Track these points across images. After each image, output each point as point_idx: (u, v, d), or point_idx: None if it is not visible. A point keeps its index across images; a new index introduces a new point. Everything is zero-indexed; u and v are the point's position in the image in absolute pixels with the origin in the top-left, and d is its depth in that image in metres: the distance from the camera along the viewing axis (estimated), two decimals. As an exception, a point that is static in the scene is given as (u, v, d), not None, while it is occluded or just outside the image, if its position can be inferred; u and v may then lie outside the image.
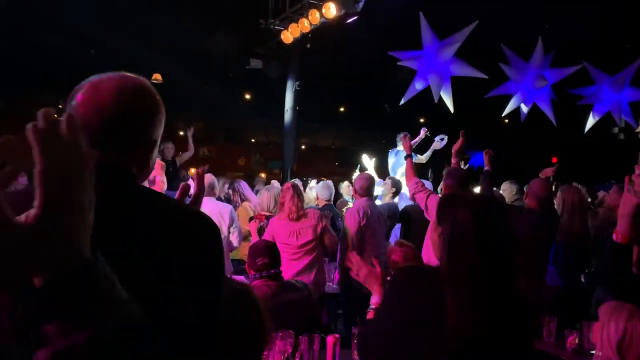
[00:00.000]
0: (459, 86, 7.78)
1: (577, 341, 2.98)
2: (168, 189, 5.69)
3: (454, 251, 1.51)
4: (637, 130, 11.05)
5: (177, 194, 1.43)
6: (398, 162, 7.15)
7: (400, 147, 7.20)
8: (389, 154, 7.49)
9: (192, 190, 5.03)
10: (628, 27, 7.77)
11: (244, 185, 5.89)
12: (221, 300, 1.12)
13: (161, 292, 1.00)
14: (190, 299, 1.04)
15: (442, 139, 7.21)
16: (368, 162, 7.53)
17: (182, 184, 1.49)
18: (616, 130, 11.84)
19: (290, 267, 4.28)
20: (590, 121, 8.98)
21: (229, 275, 4.27)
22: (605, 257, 2.00)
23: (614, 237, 1.94)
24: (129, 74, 1.13)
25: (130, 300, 0.76)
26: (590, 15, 7.23)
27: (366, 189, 4.81)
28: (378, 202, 5.73)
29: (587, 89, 8.60)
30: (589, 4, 7.10)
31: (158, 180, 4.44)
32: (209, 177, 4.91)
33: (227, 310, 1.15)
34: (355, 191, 4.88)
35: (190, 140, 7.48)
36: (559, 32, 7.73)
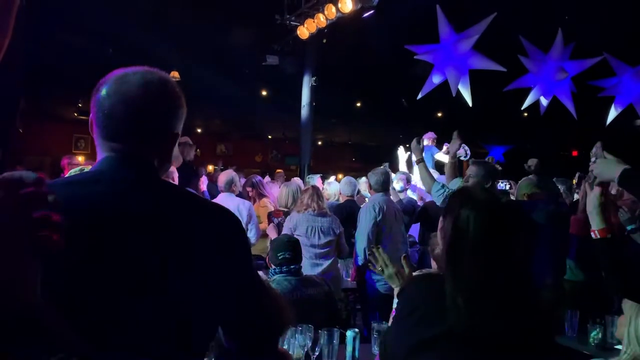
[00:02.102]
0: (477, 79, 7.69)
1: (600, 336, 2.95)
2: (187, 186, 5.75)
3: (453, 251, 1.47)
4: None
5: None
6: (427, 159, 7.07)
7: (426, 142, 7.18)
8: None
9: (203, 187, 5.10)
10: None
11: (261, 182, 5.91)
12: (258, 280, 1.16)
13: (188, 281, 1.03)
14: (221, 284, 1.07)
15: (466, 152, 7.15)
16: (403, 155, 7.42)
17: None
18: (639, 122, 11.62)
19: (309, 267, 4.29)
20: (612, 113, 8.82)
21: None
22: (602, 263, 1.94)
23: (593, 236, 1.88)
24: (152, 68, 1.15)
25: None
26: (610, 5, 7.09)
27: (382, 184, 4.76)
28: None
29: (608, 81, 8.43)
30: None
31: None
32: (228, 174, 4.94)
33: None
34: (370, 186, 4.84)
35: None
36: (578, 23, 7.60)
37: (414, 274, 2.40)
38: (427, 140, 6.99)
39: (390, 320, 1.84)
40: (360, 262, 4.54)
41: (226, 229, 1.12)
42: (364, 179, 7.45)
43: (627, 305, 2.09)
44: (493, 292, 1.42)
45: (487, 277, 1.42)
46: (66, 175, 3.19)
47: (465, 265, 1.43)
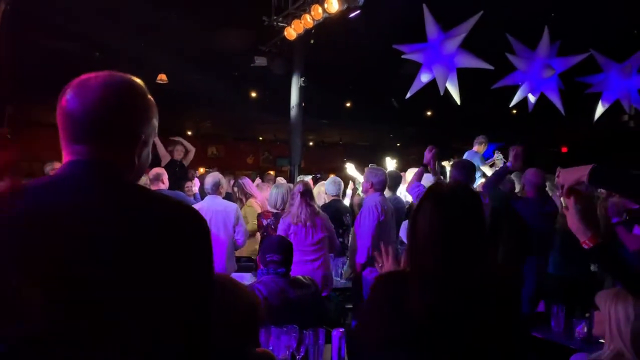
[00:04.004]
0: (465, 78, 7.71)
1: (585, 330, 2.97)
2: (177, 189, 5.74)
3: (412, 243, 1.53)
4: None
5: None
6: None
7: (475, 149, 7.31)
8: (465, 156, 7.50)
9: (195, 189, 5.11)
10: (635, 13, 7.66)
11: (247, 182, 5.92)
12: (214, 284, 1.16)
13: (152, 282, 1.03)
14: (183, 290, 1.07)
15: (501, 159, 7.24)
16: (390, 162, 7.44)
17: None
18: (626, 117, 11.69)
19: (302, 264, 4.29)
20: (600, 109, 8.88)
21: (233, 275, 4.31)
22: (604, 269, 1.90)
23: (585, 247, 1.84)
24: (117, 73, 1.15)
25: None
26: (596, 2, 7.14)
27: (383, 185, 4.87)
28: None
29: (595, 77, 8.49)
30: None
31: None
32: (214, 176, 4.93)
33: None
34: (372, 185, 4.85)
35: (183, 141, 7.43)
36: (565, 20, 7.64)
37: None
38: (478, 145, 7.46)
39: None
40: (363, 260, 4.57)
41: (190, 231, 1.11)
42: (360, 178, 7.41)
43: (602, 301, 2.09)
44: (456, 289, 1.43)
45: (447, 273, 1.44)
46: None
47: (426, 262, 1.46)
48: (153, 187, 5.02)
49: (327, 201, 5.77)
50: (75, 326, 0.97)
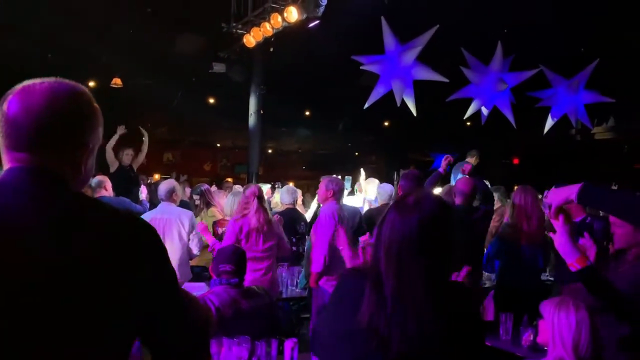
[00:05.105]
0: (421, 90, 7.87)
1: (532, 338, 3.05)
2: (127, 194, 5.61)
3: (375, 248, 1.57)
4: (592, 131, 11.41)
5: None
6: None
7: (468, 160, 7.38)
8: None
9: (143, 196, 4.99)
10: (583, 32, 8.01)
11: (209, 190, 5.83)
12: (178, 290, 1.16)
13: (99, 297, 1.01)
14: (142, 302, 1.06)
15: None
16: (363, 174, 7.50)
17: None
18: (573, 131, 12.18)
19: (250, 272, 4.26)
20: (549, 123, 9.22)
21: (187, 283, 4.24)
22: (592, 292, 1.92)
23: (573, 269, 1.83)
24: (63, 80, 1.13)
25: None
26: (547, 20, 7.42)
27: (342, 193, 4.97)
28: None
29: (544, 92, 8.82)
30: (545, 9, 7.28)
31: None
32: (169, 182, 4.84)
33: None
34: (333, 194, 4.84)
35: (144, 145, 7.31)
36: (517, 37, 7.91)
37: None
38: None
39: None
40: (319, 269, 4.55)
41: (138, 241, 1.09)
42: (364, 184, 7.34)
43: (546, 309, 2.16)
44: (409, 293, 1.46)
45: (401, 279, 1.47)
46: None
47: (384, 265, 1.49)
48: (96, 195, 4.94)
49: (281, 209, 5.76)
50: (14, 331, 0.95)
